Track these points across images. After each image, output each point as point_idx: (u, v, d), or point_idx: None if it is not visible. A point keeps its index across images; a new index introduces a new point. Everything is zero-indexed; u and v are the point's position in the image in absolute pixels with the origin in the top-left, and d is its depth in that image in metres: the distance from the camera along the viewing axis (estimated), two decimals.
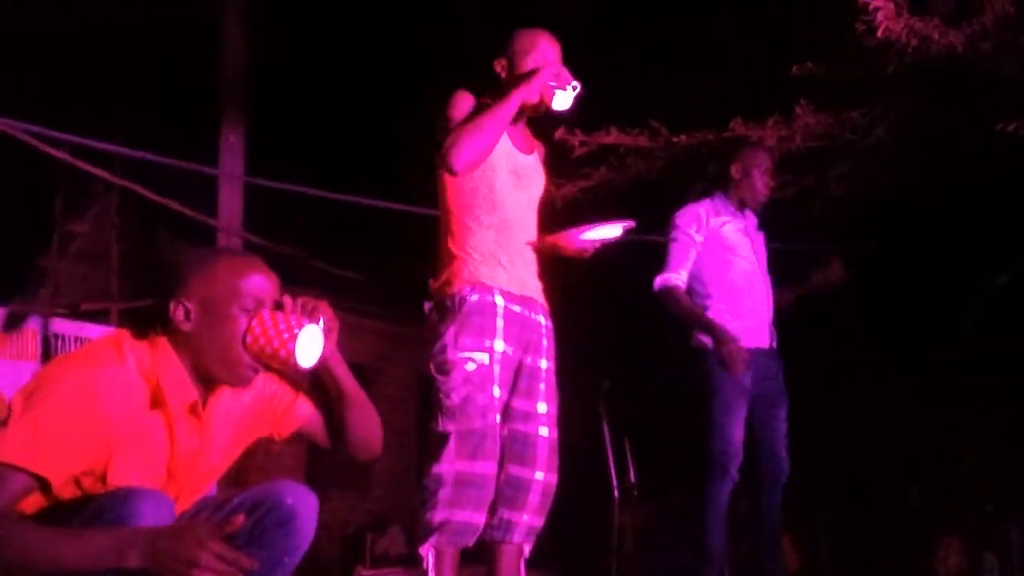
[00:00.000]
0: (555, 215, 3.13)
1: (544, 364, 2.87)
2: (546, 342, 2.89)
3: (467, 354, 2.69)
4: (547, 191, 3.04)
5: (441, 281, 2.79)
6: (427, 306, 2.82)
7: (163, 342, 1.88)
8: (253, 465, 7.21)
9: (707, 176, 5.19)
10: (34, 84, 8.33)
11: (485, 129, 2.68)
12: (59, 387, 1.76)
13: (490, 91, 2.83)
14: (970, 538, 4.95)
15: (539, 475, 2.80)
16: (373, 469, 9.65)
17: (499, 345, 2.73)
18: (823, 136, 5.12)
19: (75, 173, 7.47)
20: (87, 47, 8.63)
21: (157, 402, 1.86)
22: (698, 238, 3.68)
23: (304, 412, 2.12)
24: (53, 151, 6.27)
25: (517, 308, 2.80)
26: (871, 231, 5.86)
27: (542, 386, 2.85)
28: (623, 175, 5.35)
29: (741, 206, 3.78)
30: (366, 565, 6.84)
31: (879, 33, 4.05)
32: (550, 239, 2.86)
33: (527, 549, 2.87)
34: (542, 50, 2.83)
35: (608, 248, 2.90)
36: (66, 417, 1.73)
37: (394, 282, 8.23)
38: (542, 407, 2.83)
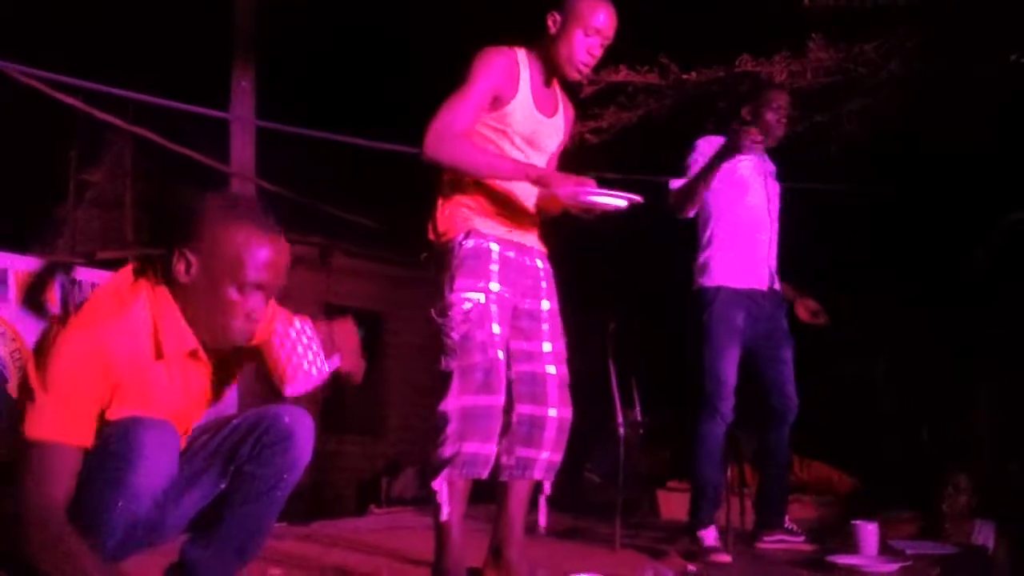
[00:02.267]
0: (565, 156, 3.09)
1: (546, 305, 2.90)
2: (545, 284, 2.92)
3: (464, 295, 2.73)
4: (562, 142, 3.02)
5: (438, 231, 2.82)
6: (423, 256, 2.86)
7: (163, 291, 1.89)
8: None
9: (717, 112, 5.17)
10: (45, 32, 8.33)
11: (463, 164, 2.71)
12: (68, 351, 1.79)
13: (535, 41, 2.79)
14: (977, 478, 4.98)
15: (552, 412, 2.83)
16: (388, 415, 9.77)
17: (494, 286, 2.76)
18: (835, 71, 5.05)
19: (89, 121, 7.51)
20: None
21: (159, 350, 1.89)
22: (702, 162, 3.69)
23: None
24: (67, 98, 6.29)
25: (512, 254, 2.83)
26: (886, 170, 5.80)
27: (545, 326, 2.88)
28: (633, 114, 5.31)
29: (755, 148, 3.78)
30: (380, 504, 6.95)
31: None
32: (556, 192, 2.80)
33: (547, 485, 2.92)
34: (597, 26, 2.77)
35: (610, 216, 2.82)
36: (82, 381, 1.79)
37: (407, 227, 8.25)
38: (547, 346, 2.86)
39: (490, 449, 2.72)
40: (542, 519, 3.07)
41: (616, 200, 2.73)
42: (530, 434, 2.82)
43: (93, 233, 9.06)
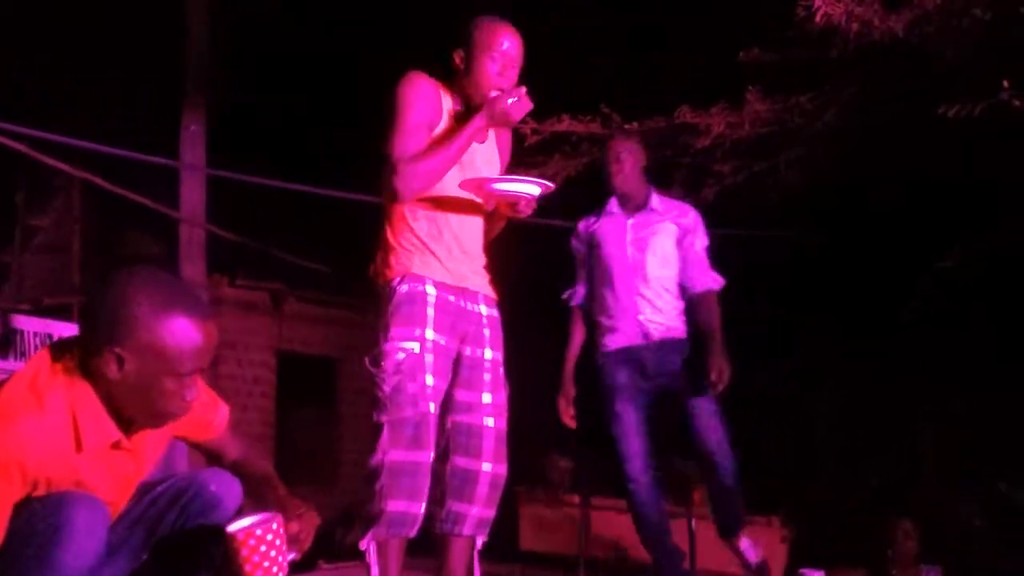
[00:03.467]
0: None
1: (488, 354, 2.82)
2: (488, 331, 2.83)
3: (398, 344, 2.66)
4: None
5: (376, 271, 2.77)
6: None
7: (82, 383, 1.84)
8: None
9: (658, 162, 5.27)
10: None
11: (437, 167, 2.67)
12: None
13: (447, 81, 2.79)
14: (923, 520, 5.03)
15: (486, 466, 2.76)
16: (341, 463, 9.66)
17: (429, 334, 2.69)
18: (772, 122, 5.17)
19: (36, 166, 7.45)
20: (46, 35, 8.56)
21: (79, 443, 1.83)
22: (583, 249, 3.95)
23: (221, 424, 2.15)
24: (12, 143, 6.24)
25: (452, 298, 2.76)
26: (823, 217, 5.92)
27: (487, 376, 2.80)
28: (577, 162, 5.39)
29: (623, 200, 3.90)
30: (330, 559, 6.84)
31: (817, 19, 4.09)
32: (464, 184, 2.77)
33: (480, 541, 2.85)
34: (503, 50, 2.75)
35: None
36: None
37: (359, 271, 8.25)
38: (486, 397, 2.79)
39: (417, 508, 2.66)
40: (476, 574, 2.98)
41: (528, 187, 2.70)
42: (462, 488, 2.75)
43: (40, 279, 8.95)
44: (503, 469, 2.82)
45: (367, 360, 2.71)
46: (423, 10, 7.59)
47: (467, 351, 2.79)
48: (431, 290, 2.71)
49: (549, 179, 5.37)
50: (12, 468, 1.75)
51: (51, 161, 6.78)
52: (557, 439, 5.18)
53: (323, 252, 8.48)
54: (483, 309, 2.85)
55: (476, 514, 2.78)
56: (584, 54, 5.97)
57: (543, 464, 6.10)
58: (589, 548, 4.97)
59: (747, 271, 6.03)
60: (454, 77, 2.80)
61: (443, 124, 2.76)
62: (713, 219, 5.72)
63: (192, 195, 7.48)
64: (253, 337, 8.77)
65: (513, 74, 2.78)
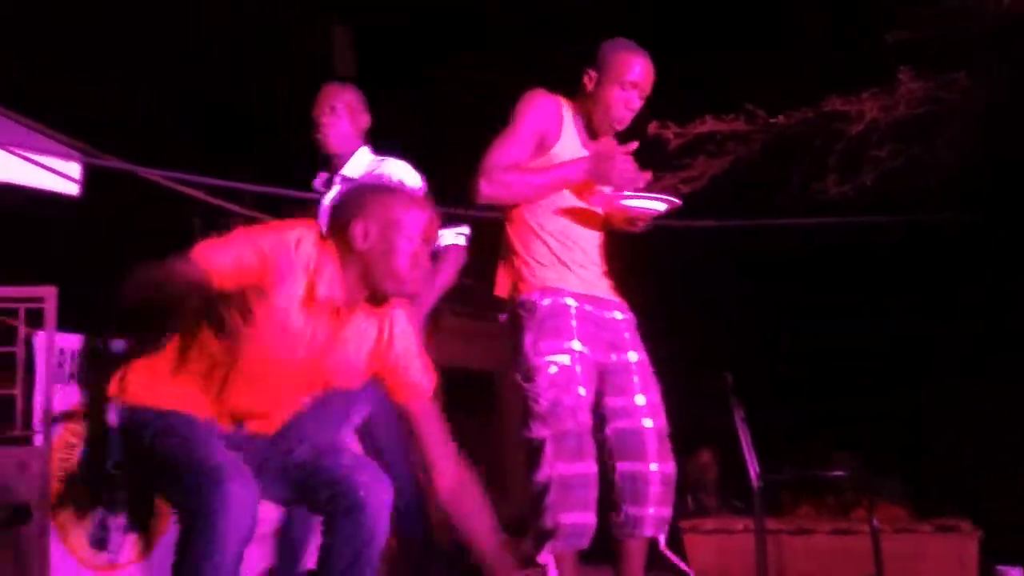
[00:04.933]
0: None
1: (633, 356, 2.86)
2: (628, 335, 2.88)
3: (548, 358, 2.72)
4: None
5: (511, 290, 2.85)
6: (502, 317, 2.90)
7: (332, 247, 2.16)
8: None
9: (813, 152, 5.22)
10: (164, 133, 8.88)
11: (522, 191, 2.76)
12: (247, 232, 2.15)
13: (574, 96, 2.85)
14: None
15: (653, 466, 2.79)
16: (509, 475, 9.81)
17: (576, 345, 2.74)
18: (927, 101, 5.00)
19: (208, 211, 7.99)
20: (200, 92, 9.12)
21: (309, 294, 2.13)
22: None
23: (425, 395, 2.37)
24: (192, 192, 6.77)
25: (589, 307, 2.82)
26: (976, 198, 5.66)
27: (635, 378, 2.84)
28: (723, 161, 5.37)
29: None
30: None
31: None
32: (596, 199, 2.84)
33: (663, 539, 2.89)
34: (632, 79, 2.79)
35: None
36: (249, 241, 2.11)
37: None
38: (640, 399, 2.82)
39: (590, 519, 2.71)
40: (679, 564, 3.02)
41: (656, 204, 2.73)
42: (634, 491, 2.78)
43: None
44: (671, 467, 2.83)
45: (518, 376, 2.78)
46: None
47: (612, 357, 2.83)
48: (571, 302, 2.77)
49: (695, 180, 5.43)
50: (260, 243, 2.10)
51: (224, 204, 7.30)
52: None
53: (473, 268, 8.67)
54: (617, 315, 2.89)
55: (653, 514, 2.81)
56: (717, 51, 5.92)
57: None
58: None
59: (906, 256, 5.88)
60: (580, 94, 2.86)
61: (562, 139, 2.82)
62: (873, 206, 5.62)
63: None
64: None
65: (638, 103, 2.85)
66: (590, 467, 2.72)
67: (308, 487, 2.20)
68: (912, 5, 4.41)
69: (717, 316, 6.94)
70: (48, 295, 4.72)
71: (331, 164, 3.43)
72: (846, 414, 6.26)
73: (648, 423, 2.82)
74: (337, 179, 3.39)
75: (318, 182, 3.48)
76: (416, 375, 2.34)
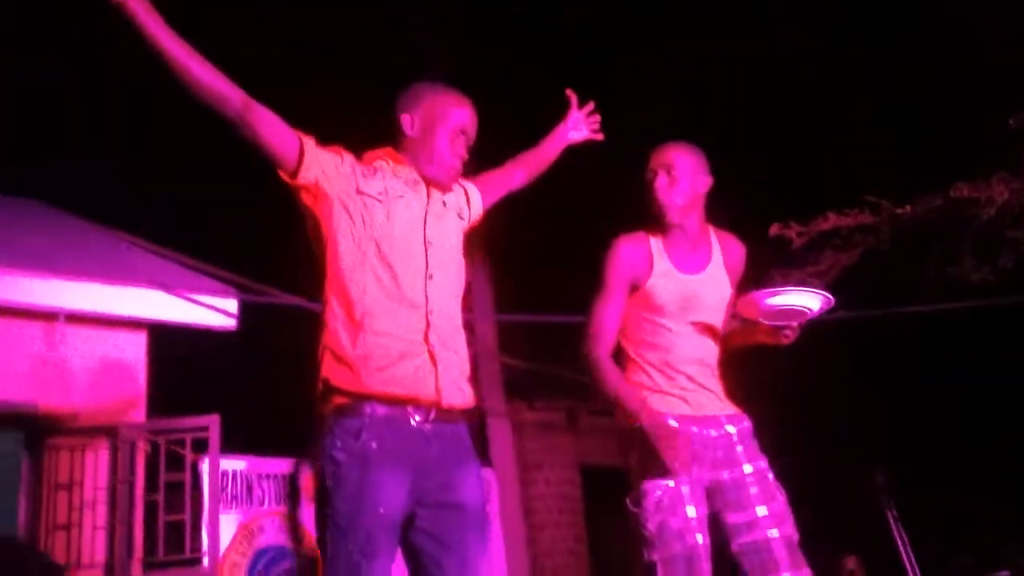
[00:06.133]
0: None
1: (748, 468, 2.82)
2: (741, 447, 2.84)
3: (654, 481, 2.71)
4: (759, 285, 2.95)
5: (620, 414, 2.83)
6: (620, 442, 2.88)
7: (387, 148, 2.48)
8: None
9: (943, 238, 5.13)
10: None
11: (604, 386, 2.80)
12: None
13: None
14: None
15: (786, 575, 2.73)
16: None
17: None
18: None
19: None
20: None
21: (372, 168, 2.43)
22: None
23: (480, 191, 2.67)
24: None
25: (695, 429, 2.81)
26: None
27: (753, 490, 2.79)
28: (852, 253, 5.33)
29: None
30: None
31: None
32: (737, 308, 2.83)
33: None
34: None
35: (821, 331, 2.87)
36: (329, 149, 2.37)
37: None
38: (761, 510, 2.76)
39: None
40: None
41: (807, 299, 2.69)
42: None
43: None
44: (806, 572, 2.74)
45: (628, 501, 2.78)
46: None
47: (724, 475, 2.80)
48: (674, 423, 2.75)
49: (824, 273, 5.38)
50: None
51: None
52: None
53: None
54: (729, 428, 2.86)
55: None
56: (841, 148, 5.94)
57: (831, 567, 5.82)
58: None
59: None
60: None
61: (656, 269, 2.86)
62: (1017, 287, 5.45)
63: (485, 334, 8.12)
64: (556, 453, 9.14)
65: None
66: None
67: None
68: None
69: (861, 414, 6.79)
70: (212, 423, 5.08)
71: None
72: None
73: (774, 533, 2.75)
74: None
75: None
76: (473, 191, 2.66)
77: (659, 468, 2.69)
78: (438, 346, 2.32)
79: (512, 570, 7.55)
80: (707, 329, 2.93)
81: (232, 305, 5.52)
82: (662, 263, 2.89)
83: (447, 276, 2.41)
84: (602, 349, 2.83)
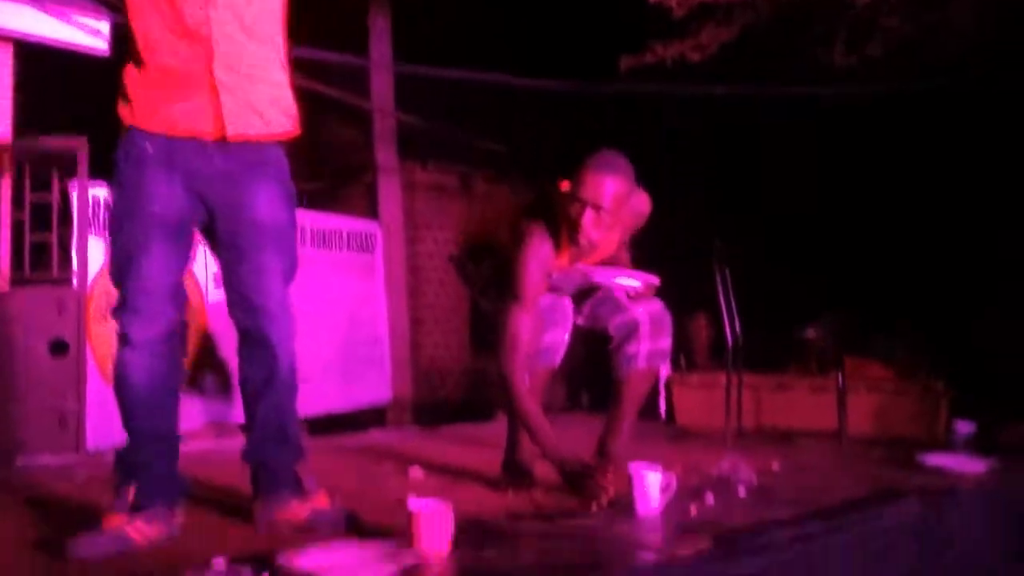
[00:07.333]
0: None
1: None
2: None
3: None
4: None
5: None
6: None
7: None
8: None
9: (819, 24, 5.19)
10: None
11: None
12: None
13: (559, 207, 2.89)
14: None
15: (639, 310, 3.05)
16: None
17: None
18: None
19: None
20: None
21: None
22: None
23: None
24: None
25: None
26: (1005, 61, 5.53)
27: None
28: (731, 29, 5.37)
29: None
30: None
31: None
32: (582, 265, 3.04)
33: (664, 372, 3.17)
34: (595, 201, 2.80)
35: None
36: None
37: (536, 154, 8.59)
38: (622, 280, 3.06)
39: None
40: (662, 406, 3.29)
41: (634, 282, 3.00)
42: (627, 334, 3.05)
43: None
44: (656, 304, 3.08)
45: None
46: None
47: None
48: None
49: (704, 48, 5.44)
50: None
51: None
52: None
53: (504, 135, 8.80)
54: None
55: (648, 348, 3.05)
56: None
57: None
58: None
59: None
60: (560, 201, 2.91)
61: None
62: (883, 79, 5.60)
63: (381, 88, 8.03)
64: (447, 218, 9.32)
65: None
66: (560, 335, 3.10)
67: None
68: None
69: (722, 185, 7.07)
70: (80, 145, 5.02)
71: None
72: (842, 273, 6.45)
73: (626, 283, 3.06)
74: None
75: None
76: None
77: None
78: (225, 77, 2.33)
79: (393, 319, 7.89)
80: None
81: (105, 27, 5.33)
82: (562, 261, 3.03)
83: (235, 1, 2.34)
84: (518, 363, 2.93)
